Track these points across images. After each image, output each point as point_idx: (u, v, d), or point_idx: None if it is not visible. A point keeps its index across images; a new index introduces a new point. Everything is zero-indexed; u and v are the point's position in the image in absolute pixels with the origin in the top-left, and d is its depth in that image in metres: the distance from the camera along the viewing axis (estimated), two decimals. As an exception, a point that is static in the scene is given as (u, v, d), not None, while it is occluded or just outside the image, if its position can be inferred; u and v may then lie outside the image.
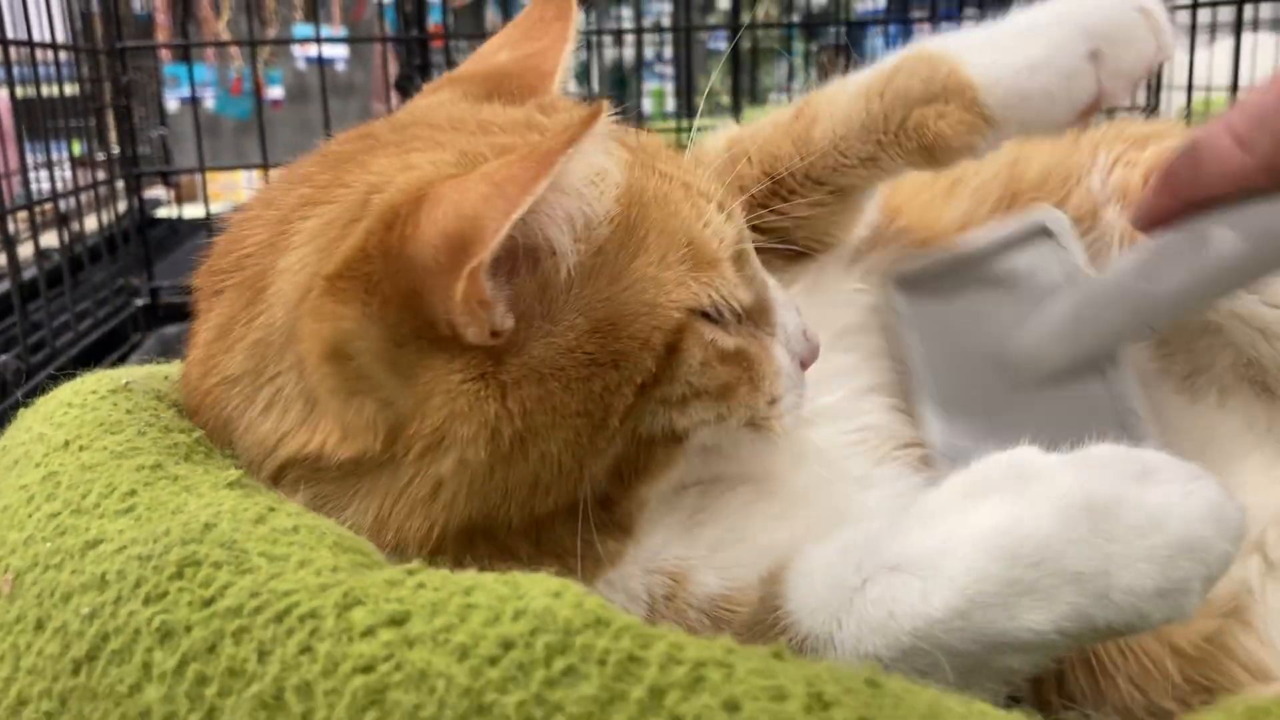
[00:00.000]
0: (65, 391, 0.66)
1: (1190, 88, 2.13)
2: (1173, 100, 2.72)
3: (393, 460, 0.55)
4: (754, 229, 0.71)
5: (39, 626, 0.49)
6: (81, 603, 0.48)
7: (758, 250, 0.69)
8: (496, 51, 0.80)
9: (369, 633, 0.42)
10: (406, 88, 2.48)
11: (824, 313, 0.77)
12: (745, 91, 3.54)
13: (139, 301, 1.93)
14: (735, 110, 2.80)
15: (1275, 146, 0.62)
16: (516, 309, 0.56)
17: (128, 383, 0.66)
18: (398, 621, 0.42)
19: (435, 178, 0.56)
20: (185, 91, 4.96)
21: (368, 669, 0.41)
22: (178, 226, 2.64)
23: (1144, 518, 0.50)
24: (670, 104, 4.35)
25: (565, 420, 0.56)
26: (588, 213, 0.57)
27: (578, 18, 0.80)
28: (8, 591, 0.51)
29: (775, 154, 0.78)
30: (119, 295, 1.88)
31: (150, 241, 2.05)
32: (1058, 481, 0.52)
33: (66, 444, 0.59)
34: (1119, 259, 0.71)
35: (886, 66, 0.74)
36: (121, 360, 1.70)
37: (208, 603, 0.45)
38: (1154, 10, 0.67)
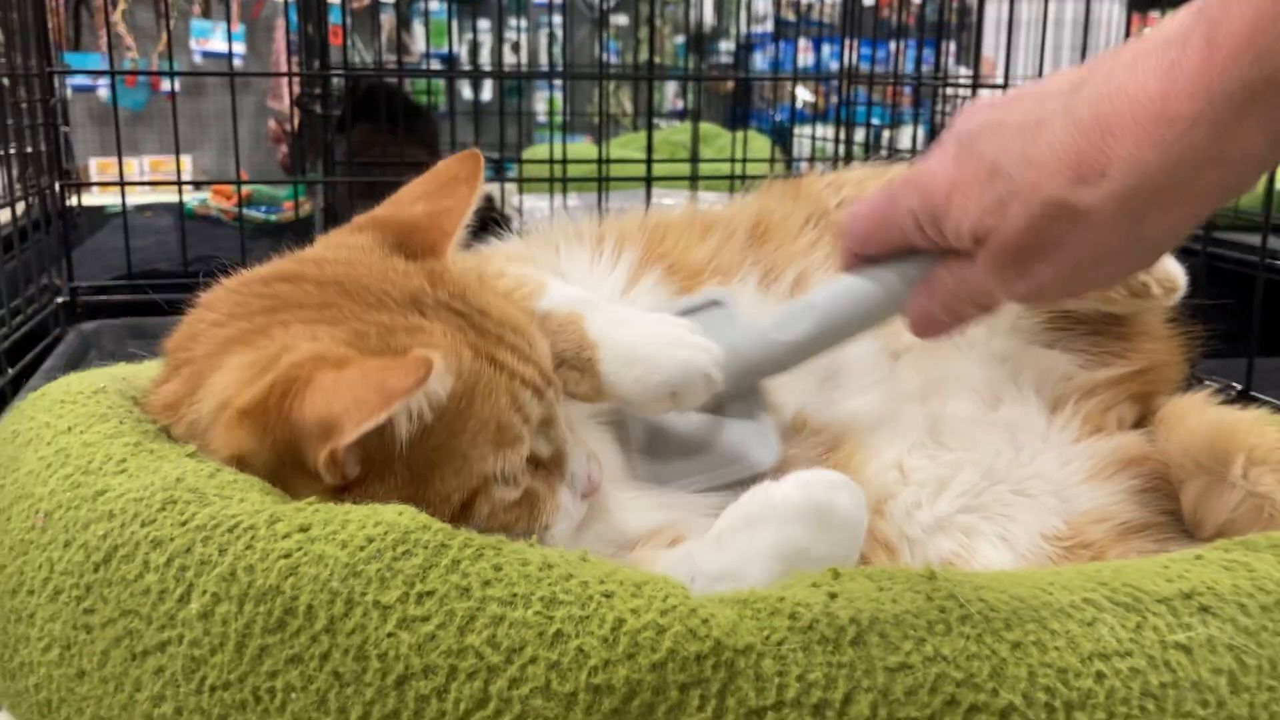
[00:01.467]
0: (57, 391, 0.94)
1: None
2: None
3: None
4: None
5: (67, 544, 0.76)
6: (97, 529, 0.75)
7: None
8: (414, 202, 0.94)
9: (287, 535, 0.70)
10: (306, 104, 2.65)
11: None
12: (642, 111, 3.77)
13: (59, 299, 2.09)
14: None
15: (949, 235, 0.77)
16: (363, 462, 0.75)
17: (104, 386, 0.94)
18: (304, 529, 0.70)
19: (328, 356, 0.74)
20: (77, 80, 5.05)
21: (287, 555, 0.69)
22: (77, 220, 2.75)
23: (841, 517, 0.78)
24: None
25: None
26: (425, 408, 0.75)
27: (482, 180, 0.95)
28: (41, 524, 0.78)
29: None
30: (44, 293, 2.05)
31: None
32: (794, 500, 0.78)
33: (70, 429, 0.87)
34: (769, 314, 1.01)
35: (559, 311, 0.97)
36: (44, 355, 1.86)
37: (183, 523, 0.72)
38: (713, 375, 0.94)
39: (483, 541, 0.70)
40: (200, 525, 0.72)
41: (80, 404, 0.91)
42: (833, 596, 0.70)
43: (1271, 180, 1.50)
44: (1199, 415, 1.09)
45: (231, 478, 0.77)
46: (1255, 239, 1.54)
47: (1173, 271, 1.11)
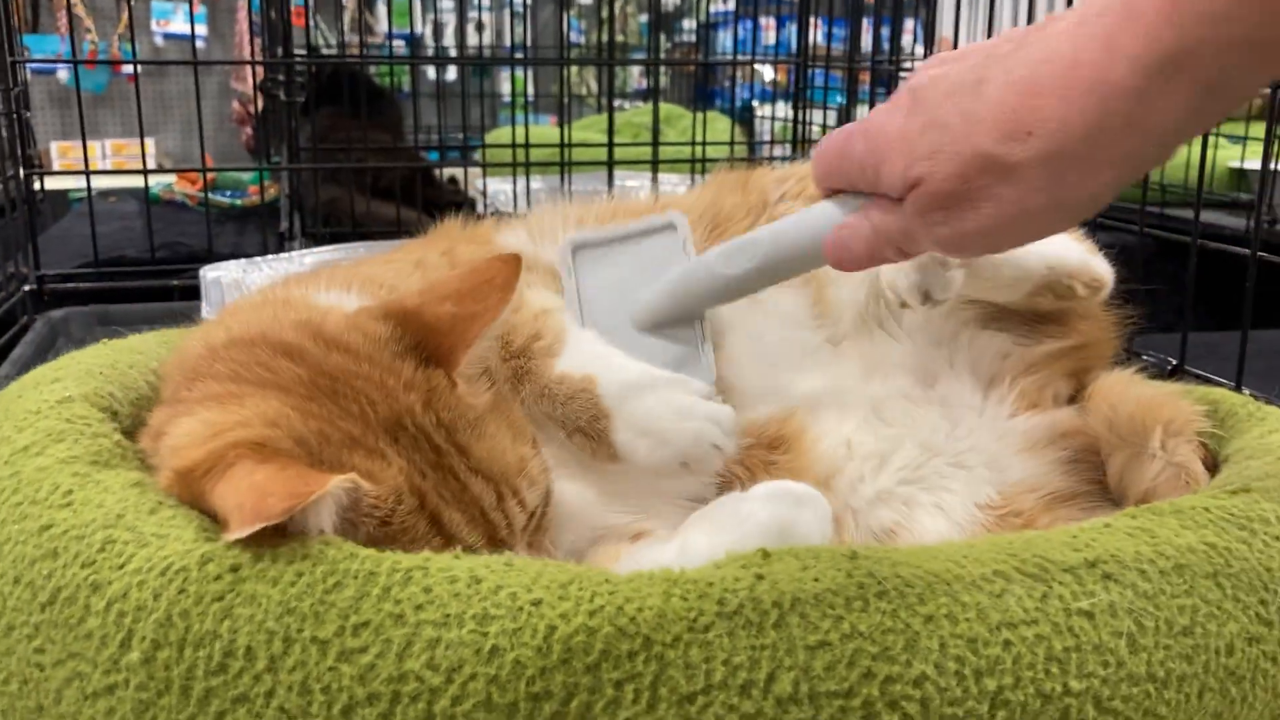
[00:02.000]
0: (30, 400, 0.97)
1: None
2: None
3: None
4: None
5: (16, 580, 0.79)
6: (41, 568, 0.78)
7: None
8: (444, 300, 0.91)
9: (218, 577, 0.73)
10: (270, 89, 2.62)
11: None
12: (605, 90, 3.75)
13: (26, 287, 2.09)
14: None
15: (884, 181, 0.79)
16: None
17: (69, 396, 0.97)
18: (234, 569, 0.73)
19: (264, 447, 0.76)
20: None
21: (220, 598, 0.72)
22: (41, 207, 2.74)
23: (800, 536, 0.82)
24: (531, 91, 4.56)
25: None
26: (356, 523, 0.78)
27: (516, 287, 0.92)
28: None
29: None
30: (10, 281, 2.06)
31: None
32: (760, 518, 0.83)
33: (26, 448, 0.89)
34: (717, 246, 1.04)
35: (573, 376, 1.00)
36: (13, 344, 1.87)
37: (120, 567, 0.75)
38: (724, 445, 0.98)
39: (409, 564, 0.73)
40: (136, 569, 0.74)
41: (43, 416, 0.94)
42: (759, 578, 0.73)
43: (1204, 155, 1.51)
44: (1122, 392, 1.14)
45: (171, 513, 0.79)
46: (1205, 215, 1.57)
47: (1098, 271, 1.14)
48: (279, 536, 0.75)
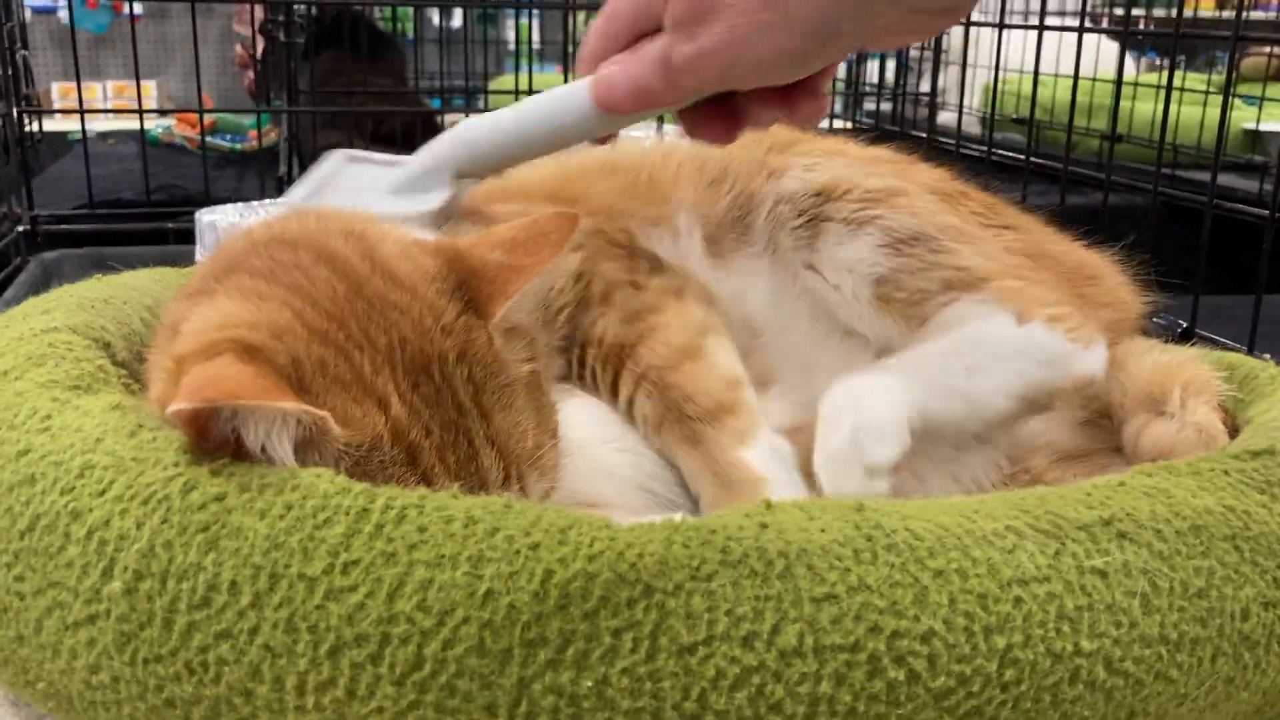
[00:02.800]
0: (16, 329, 0.94)
1: (997, 67, 2.35)
2: (978, 78, 2.95)
3: None
4: None
5: None
6: (20, 494, 0.76)
7: None
8: (495, 247, 0.87)
9: (203, 506, 0.70)
10: (270, 31, 2.60)
11: None
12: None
13: (20, 228, 2.08)
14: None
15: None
16: None
17: (55, 326, 0.94)
18: (220, 498, 0.70)
19: (254, 351, 0.74)
20: (36, 1, 4.94)
21: (205, 529, 0.69)
22: (39, 147, 2.74)
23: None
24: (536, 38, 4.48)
25: None
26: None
27: (568, 243, 0.87)
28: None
29: None
30: (3, 222, 2.04)
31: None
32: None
33: (5, 373, 0.87)
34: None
35: None
36: (5, 285, 1.86)
37: (101, 493, 0.73)
38: None
39: (404, 501, 0.70)
40: (117, 496, 0.72)
41: (25, 342, 0.91)
42: (764, 527, 0.71)
43: (1224, 116, 1.49)
44: (1139, 358, 1.12)
45: (151, 437, 0.76)
46: (1219, 178, 1.55)
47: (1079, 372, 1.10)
48: (240, 457, 0.73)
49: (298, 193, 1.10)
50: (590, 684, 0.65)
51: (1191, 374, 1.05)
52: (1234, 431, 1.01)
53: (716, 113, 0.86)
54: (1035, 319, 1.04)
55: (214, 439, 0.74)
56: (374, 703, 0.66)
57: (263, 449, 0.74)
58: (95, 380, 0.87)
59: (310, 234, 0.88)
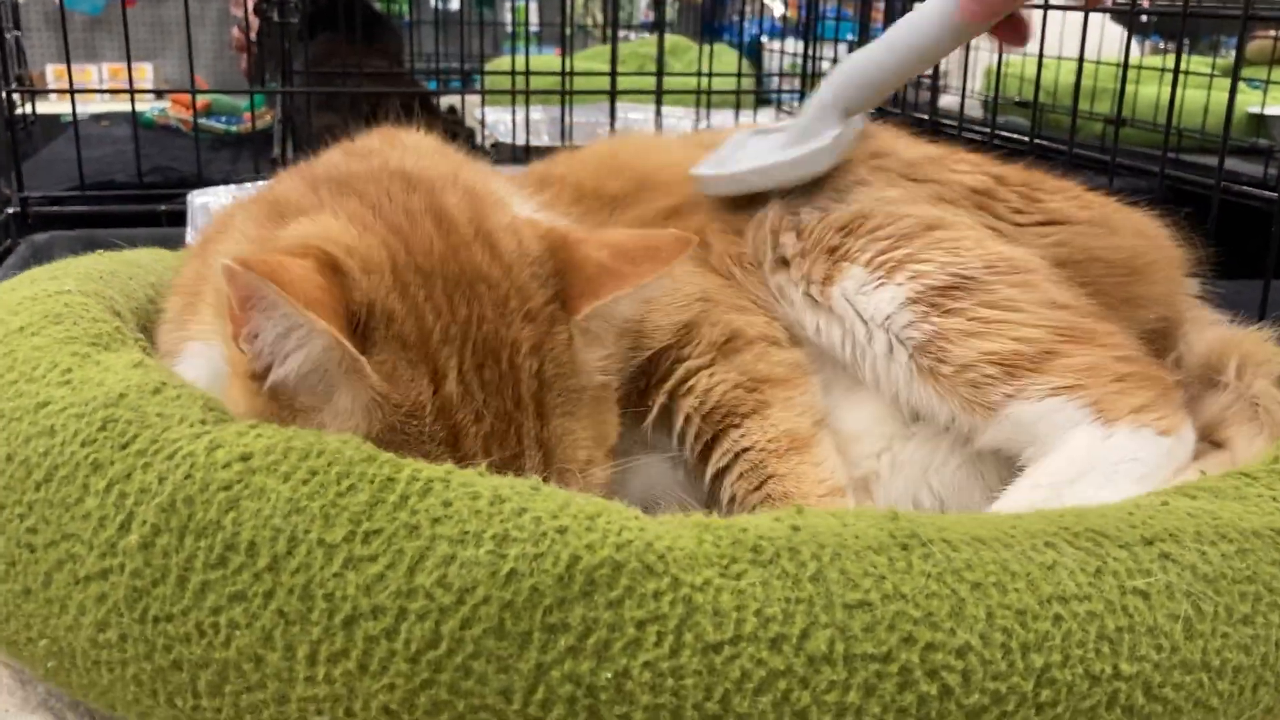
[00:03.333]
0: (25, 289, 0.92)
1: (1000, 50, 2.34)
2: (980, 60, 2.96)
3: None
4: None
5: (9, 458, 0.75)
6: (38, 445, 0.73)
7: None
8: (602, 248, 0.85)
9: (227, 465, 0.68)
10: (264, 11, 2.56)
11: None
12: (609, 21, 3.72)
13: (10, 210, 2.03)
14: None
15: None
16: None
17: (69, 289, 0.92)
18: (245, 458, 0.68)
19: (338, 270, 0.75)
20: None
21: (227, 487, 0.67)
22: (32, 129, 2.68)
23: None
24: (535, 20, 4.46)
25: None
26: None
27: (675, 262, 0.84)
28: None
29: None
30: None
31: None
32: None
33: (21, 329, 0.85)
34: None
35: None
36: None
37: (124, 446, 0.70)
38: None
39: (430, 474, 0.68)
40: (140, 450, 0.70)
41: (39, 301, 0.89)
42: (795, 529, 0.69)
43: (1231, 100, 1.48)
44: (1200, 333, 1.10)
45: (175, 394, 0.74)
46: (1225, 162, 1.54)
47: None
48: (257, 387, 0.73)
49: (703, 167, 1.11)
50: (610, 675, 0.63)
51: (1253, 346, 1.03)
52: None
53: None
54: (1121, 421, 0.93)
55: (245, 326, 0.73)
56: (386, 679, 0.63)
57: (269, 359, 0.73)
58: (114, 340, 0.85)
59: (429, 179, 0.87)
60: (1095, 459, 0.91)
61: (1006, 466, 0.97)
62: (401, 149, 0.97)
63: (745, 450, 0.96)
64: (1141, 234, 1.12)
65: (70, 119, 2.47)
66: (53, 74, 4.87)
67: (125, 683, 0.68)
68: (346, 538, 0.65)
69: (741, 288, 1.05)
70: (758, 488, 0.95)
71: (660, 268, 0.82)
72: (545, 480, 0.76)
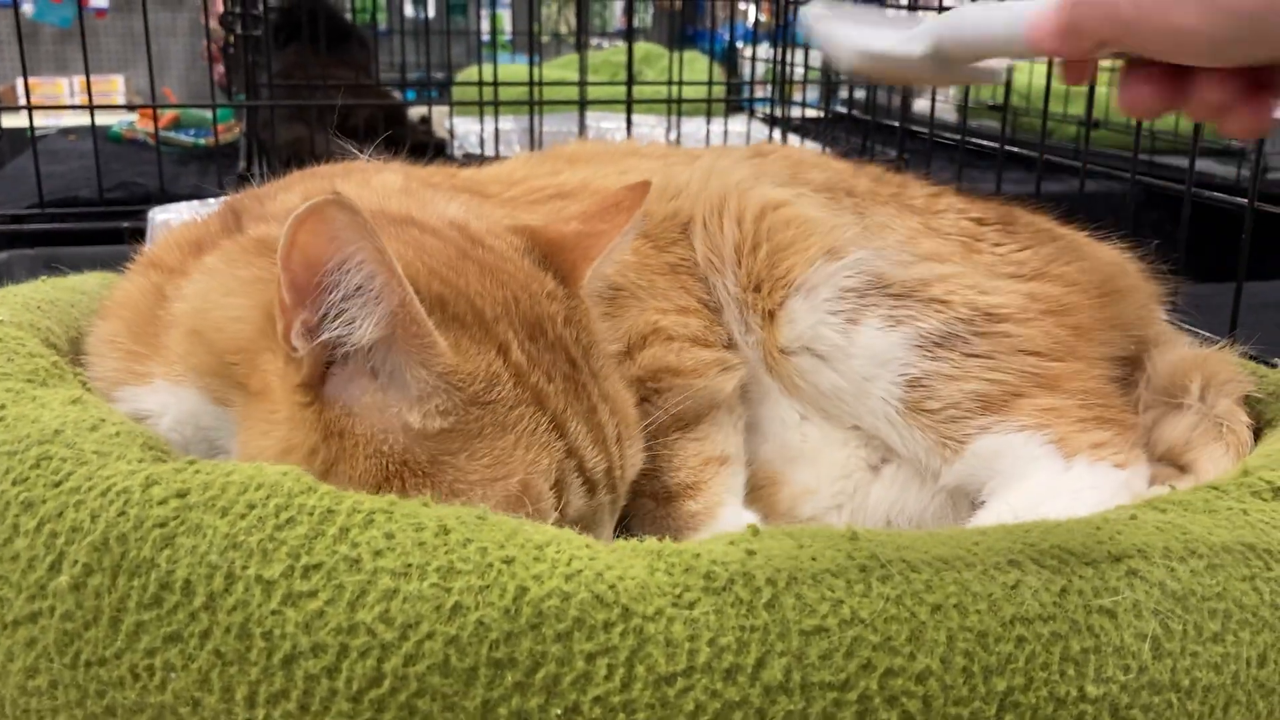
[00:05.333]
0: None
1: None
2: None
3: None
4: None
5: None
6: None
7: None
8: (568, 221, 0.93)
9: (163, 502, 0.66)
10: (229, 23, 2.55)
11: None
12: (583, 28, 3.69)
13: None
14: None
15: None
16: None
17: (2, 319, 0.90)
18: (181, 494, 0.66)
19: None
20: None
21: (163, 524, 0.65)
22: None
23: None
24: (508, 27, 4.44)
25: None
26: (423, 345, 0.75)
27: (641, 208, 0.91)
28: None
29: None
30: None
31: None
32: None
33: None
34: None
35: None
36: None
37: (57, 484, 0.68)
38: None
39: (373, 505, 0.66)
40: (74, 488, 0.68)
41: (-26, 337, 0.87)
42: (750, 554, 0.67)
43: None
44: (1163, 354, 1.11)
45: (114, 431, 0.73)
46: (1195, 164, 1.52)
47: None
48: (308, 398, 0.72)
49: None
50: (559, 711, 0.61)
51: (1216, 366, 1.04)
52: (1258, 432, 0.99)
53: (1157, 78, 0.70)
54: (1080, 455, 0.97)
55: (301, 314, 0.72)
56: (327, 719, 0.61)
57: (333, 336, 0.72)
58: (51, 375, 0.83)
59: (407, 214, 0.89)
60: (1057, 487, 0.95)
61: (969, 509, 1.01)
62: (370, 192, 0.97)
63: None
64: (1114, 262, 1.15)
65: (40, 134, 2.44)
66: (23, 88, 4.83)
67: (58, 730, 0.66)
68: (285, 573, 0.63)
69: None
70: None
71: (629, 214, 0.89)
72: (619, 436, 0.82)
